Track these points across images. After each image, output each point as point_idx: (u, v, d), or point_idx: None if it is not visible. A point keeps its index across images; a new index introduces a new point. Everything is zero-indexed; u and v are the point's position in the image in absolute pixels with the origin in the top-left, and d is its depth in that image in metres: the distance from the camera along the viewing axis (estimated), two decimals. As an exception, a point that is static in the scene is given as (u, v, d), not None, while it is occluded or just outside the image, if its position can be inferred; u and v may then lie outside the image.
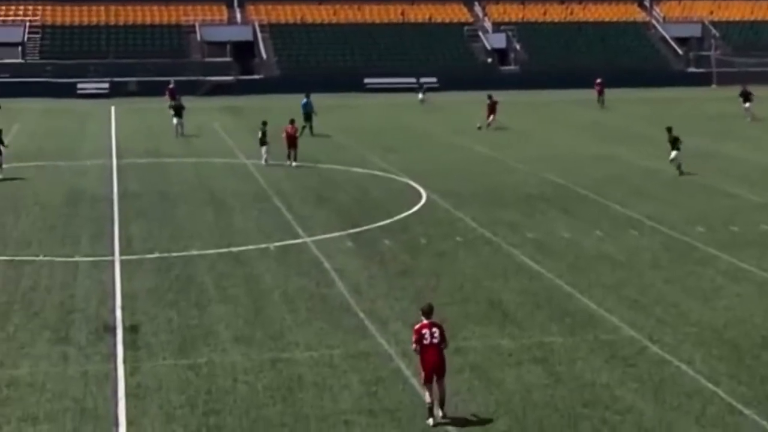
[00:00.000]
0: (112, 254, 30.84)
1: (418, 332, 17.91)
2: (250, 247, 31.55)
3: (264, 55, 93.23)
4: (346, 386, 20.13)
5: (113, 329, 23.66)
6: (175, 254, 30.62)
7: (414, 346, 18.05)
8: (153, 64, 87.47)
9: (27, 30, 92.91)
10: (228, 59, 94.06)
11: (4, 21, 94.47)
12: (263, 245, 31.69)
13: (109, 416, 18.81)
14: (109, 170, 46.59)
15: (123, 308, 25.27)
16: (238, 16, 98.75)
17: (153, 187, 42.01)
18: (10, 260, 29.97)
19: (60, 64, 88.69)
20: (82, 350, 22.33)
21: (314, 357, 21.77)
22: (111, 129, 63.28)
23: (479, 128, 60.43)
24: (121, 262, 29.91)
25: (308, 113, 58.54)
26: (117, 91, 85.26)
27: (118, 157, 50.50)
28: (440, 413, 18.03)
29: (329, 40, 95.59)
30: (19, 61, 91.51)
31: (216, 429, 18.16)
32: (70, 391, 19.96)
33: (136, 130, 62.31)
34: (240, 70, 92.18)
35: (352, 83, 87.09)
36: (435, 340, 17.82)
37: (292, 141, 46.34)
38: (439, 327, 18.02)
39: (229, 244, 31.80)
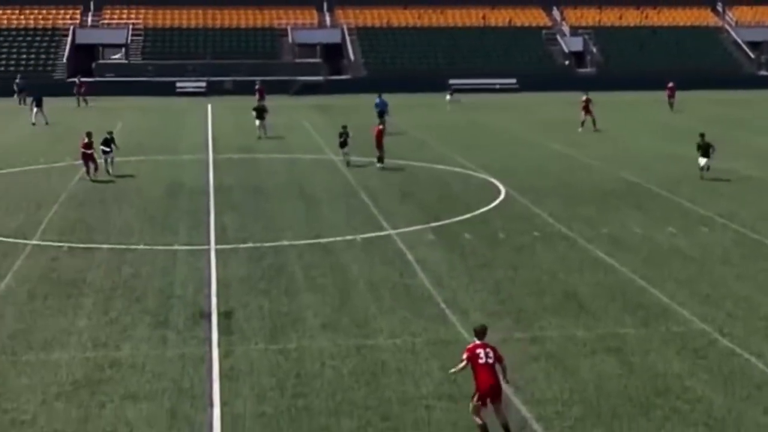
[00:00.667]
0: (208, 243, 31.14)
1: (472, 351, 16.77)
2: (338, 238, 31.66)
3: (352, 57, 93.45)
4: (428, 372, 20.14)
5: (209, 315, 23.90)
6: (267, 244, 30.83)
7: (464, 362, 16.83)
8: (247, 65, 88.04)
9: (130, 32, 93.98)
10: (318, 60, 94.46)
11: (108, 23, 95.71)
12: (350, 237, 31.79)
13: (204, 396, 19.02)
14: (205, 165, 47.01)
15: (218, 295, 25.51)
16: (328, 19, 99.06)
17: (246, 180, 42.31)
18: (114, 248, 30.39)
19: (160, 64, 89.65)
20: (179, 334, 22.60)
21: (397, 344, 21.81)
22: (207, 126, 63.82)
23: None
24: (217, 251, 30.18)
25: (381, 112, 58.30)
26: (213, 90, 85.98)
27: (214, 152, 50.92)
28: None
29: (414, 43, 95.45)
30: (123, 61, 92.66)
31: (304, 410, 18.26)
32: (168, 372, 20.22)
33: (231, 126, 62.74)
34: (329, 70, 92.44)
35: (435, 84, 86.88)
36: (490, 360, 16.68)
37: (380, 143, 45.32)
38: (493, 348, 16.95)
39: (317, 236, 31.95)
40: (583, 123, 59.97)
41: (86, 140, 42.49)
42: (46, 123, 63.54)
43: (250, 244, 30.79)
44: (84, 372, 20.25)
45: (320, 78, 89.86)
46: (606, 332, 22.45)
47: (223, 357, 21.05)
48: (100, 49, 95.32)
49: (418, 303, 24.72)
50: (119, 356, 21.15)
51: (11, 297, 25.44)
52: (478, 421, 16.78)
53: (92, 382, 19.73)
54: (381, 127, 46.42)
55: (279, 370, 20.34)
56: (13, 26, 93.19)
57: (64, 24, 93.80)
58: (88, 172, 42.03)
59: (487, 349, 16.84)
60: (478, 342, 17.07)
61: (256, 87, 72.54)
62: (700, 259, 28.88)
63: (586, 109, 60.30)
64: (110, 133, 44.64)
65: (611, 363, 20.58)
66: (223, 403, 18.65)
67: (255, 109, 57.91)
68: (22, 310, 24.31)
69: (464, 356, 16.86)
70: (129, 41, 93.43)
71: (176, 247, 30.71)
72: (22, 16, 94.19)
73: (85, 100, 76.89)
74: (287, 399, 18.82)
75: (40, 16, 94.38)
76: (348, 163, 45.33)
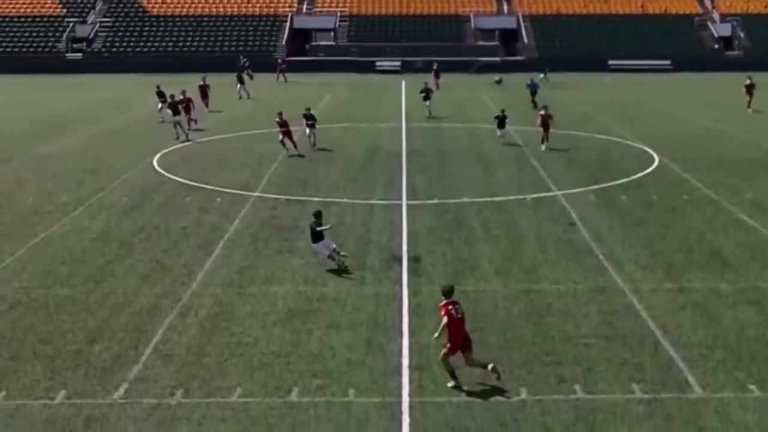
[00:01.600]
0: (401, 199, 31.25)
1: (446, 309, 16.31)
2: (510, 197, 31.38)
3: (525, 40, 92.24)
4: (587, 315, 19.83)
5: (400, 259, 24.03)
6: (450, 201, 30.76)
7: (445, 319, 16.27)
8: (435, 47, 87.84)
9: (338, 18, 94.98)
10: (496, 43, 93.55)
11: (320, 11, 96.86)
12: (521, 196, 31.48)
13: (395, 328, 19.17)
14: (399, 132, 47.17)
15: (408, 243, 25.61)
16: (505, 8, 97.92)
17: (433, 146, 42.27)
18: (322, 201, 30.83)
19: (363, 45, 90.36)
20: (375, 275, 22.81)
21: (560, 289, 21.53)
22: (401, 98, 64.00)
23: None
24: (408, 205, 30.27)
25: (533, 92, 56.98)
26: (406, 68, 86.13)
27: (406, 121, 51.05)
28: (490, 366, 16.20)
29: (579, 28, 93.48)
30: (332, 43, 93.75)
31: (479, 343, 18.16)
32: (365, 307, 20.44)
33: (420, 99, 62.68)
34: (505, 52, 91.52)
35: (597, 64, 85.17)
36: (460, 315, 16.36)
37: (545, 125, 41.75)
38: (458, 303, 16.61)
39: (493, 194, 31.72)
40: (749, 104, 57.20)
41: (277, 119, 40.87)
42: (239, 98, 63.29)
43: (436, 201, 30.80)
44: (296, 303, 20.67)
45: (497, 59, 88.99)
46: (747, 286, 21.63)
47: (411, 295, 21.16)
48: (313, 33, 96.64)
49: (579, 255, 24.33)
50: (325, 292, 21.49)
51: (239, 239, 26.14)
52: (449, 366, 16.29)
53: (303, 312, 20.13)
54: (543, 112, 43.31)
55: (459, 308, 20.34)
56: (242, 13, 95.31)
57: (283, 12, 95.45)
58: (285, 146, 39.90)
59: (457, 306, 16.46)
60: (447, 300, 16.51)
61: (434, 67, 72.16)
62: (836, 223, 27.57)
63: (749, 90, 57.31)
64: (308, 109, 42.21)
65: (751, 313, 19.84)
66: (411, 334, 18.77)
67: (422, 90, 54.90)
68: (247, 250, 24.96)
69: (442, 314, 16.33)
70: (337, 26, 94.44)
71: (374, 201, 30.96)
72: (249, 5, 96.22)
73: (284, 77, 77.67)
74: (465, 333, 18.83)
75: (264, 5, 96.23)
76: (503, 143, 42.69)
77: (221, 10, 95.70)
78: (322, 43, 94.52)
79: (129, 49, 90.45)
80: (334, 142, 43.54)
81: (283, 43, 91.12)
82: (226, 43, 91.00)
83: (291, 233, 26.66)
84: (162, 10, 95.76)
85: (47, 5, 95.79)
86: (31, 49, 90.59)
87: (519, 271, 23.01)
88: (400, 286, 21.87)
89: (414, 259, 23.98)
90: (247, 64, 79.52)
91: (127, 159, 38.92)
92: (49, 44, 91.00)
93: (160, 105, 50.50)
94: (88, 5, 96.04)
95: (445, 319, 16.34)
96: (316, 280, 22.37)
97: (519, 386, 16.27)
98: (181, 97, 47.33)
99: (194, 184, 33.78)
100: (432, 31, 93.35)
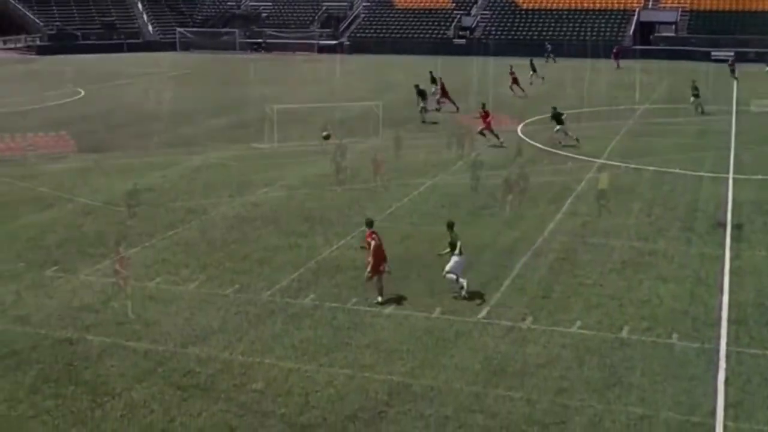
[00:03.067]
0: (728, 173, 29.15)
1: (371, 236, 17.14)
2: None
3: None
4: None
5: (724, 225, 22.49)
6: (773, 177, 28.33)
7: (368, 242, 17.03)
8: (765, 39, 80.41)
9: (680, 13, 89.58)
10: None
11: (664, 6, 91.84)
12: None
13: (716, 285, 18.05)
14: (728, 114, 43.86)
15: (732, 211, 23.90)
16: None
17: (761, 129, 38.70)
18: (657, 170, 29.47)
19: (700, 37, 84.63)
20: (701, 237, 21.54)
21: None
22: (733, 85, 59.14)
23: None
24: (733, 179, 28.20)
25: None
26: (739, 58, 79.34)
27: (736, 105, 47.26)
28: (380, 299, 16.99)
29: None
30: (672, 34, 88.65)
31: (794, 307, 16.70)
32: (690, 264, 19.39)
33: (759, 87, 57.83)
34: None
35: None
36: (379, 242, 17.04)
37: None
38: (376, 233, 17.34)
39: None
40: None
41: (480, 110, 35.11)
42: (542, 78, 58.80)
43: (760, 176, 28.39)
44: (630, 256, 20.01)
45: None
46: None
47: (733, 258, 19.78)
48: (657, 25, 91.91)
49: None
50: (655, 248, 20.61)
51: (584, 197, 25.54)
52: (372, 283, 17.05)
53: (635, 263, 19.45)
54: None
55: None
56: (597, 8, 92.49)
57: (632, 7, 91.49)
58: (484, 135, 34.32)
59: (374, 235, 17.15)
60: (370, 230, 17.28)
61: (728, 62, 65.07)
62: None
63: None
64: (554, 108, 35.29)
65: None
66: (731, 292, 17.57)
67: (693, 87, 46.06)
68: (590, 207, 24.27)
69: (369, 239, 17.12)
70: (678, 20, 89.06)
71: (702, 173, 29.12)
72: (604, 1, 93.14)
73: (618, 63, 73.71)
74: None
75: (616, 1, 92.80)
76: None
77: (579, 4, 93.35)
78: (664, 34, 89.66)
79: (503, 36, 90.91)
80: (670, 121, 41.33)
81: (630, 33, 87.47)
82: (582, 33, 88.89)
83: (628, 196, 25.73)
84: (531, 4, 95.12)
85: (441, 1, 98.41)
86: (428, 36, 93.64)
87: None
88: (723, 249, 20.49)
89: (737, 227, 22.34)
90: (550, 49, 77.00)
91: (497, 126, 39.17)
92: (441, 32, 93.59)
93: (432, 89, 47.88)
94: (472, 1, 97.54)
95: (373, 244, 16.96)
96: (648, 237, 21.47)
97: (831, 349, 14.70)
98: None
99: (549, 149, 33.45)
100: (763, 25, 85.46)
